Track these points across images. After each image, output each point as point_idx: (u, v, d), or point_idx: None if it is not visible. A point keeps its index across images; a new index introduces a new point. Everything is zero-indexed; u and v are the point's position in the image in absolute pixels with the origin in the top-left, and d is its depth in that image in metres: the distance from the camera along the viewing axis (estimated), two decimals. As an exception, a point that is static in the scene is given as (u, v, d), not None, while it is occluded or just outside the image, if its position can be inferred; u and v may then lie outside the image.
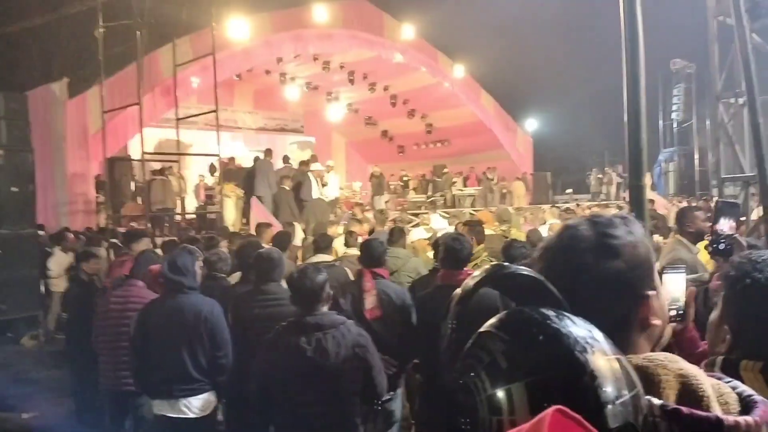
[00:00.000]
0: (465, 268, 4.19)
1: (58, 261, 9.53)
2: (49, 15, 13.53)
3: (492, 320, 0.99)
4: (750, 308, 1.63)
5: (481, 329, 0.98)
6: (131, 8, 10.71)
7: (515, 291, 1.12)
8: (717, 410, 1.05)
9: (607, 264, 1.17)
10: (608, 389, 0.88)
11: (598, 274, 1.17)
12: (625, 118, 4.08)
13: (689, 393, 1.06)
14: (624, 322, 1.18)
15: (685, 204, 14.08)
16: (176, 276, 3.87)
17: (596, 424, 0.84)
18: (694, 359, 1.99)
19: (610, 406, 0.87)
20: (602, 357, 0.92)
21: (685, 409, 1.01)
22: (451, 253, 4.18)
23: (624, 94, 3.96)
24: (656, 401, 1.01)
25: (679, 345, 2.11)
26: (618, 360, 0.94)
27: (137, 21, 10.78)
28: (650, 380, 1.05)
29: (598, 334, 0.96)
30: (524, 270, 1.16)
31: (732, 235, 2.46)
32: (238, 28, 14.31)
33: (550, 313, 0.97)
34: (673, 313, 2.42)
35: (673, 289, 2.40)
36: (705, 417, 1.01)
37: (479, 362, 0.93)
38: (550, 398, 0.85)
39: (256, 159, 15.40)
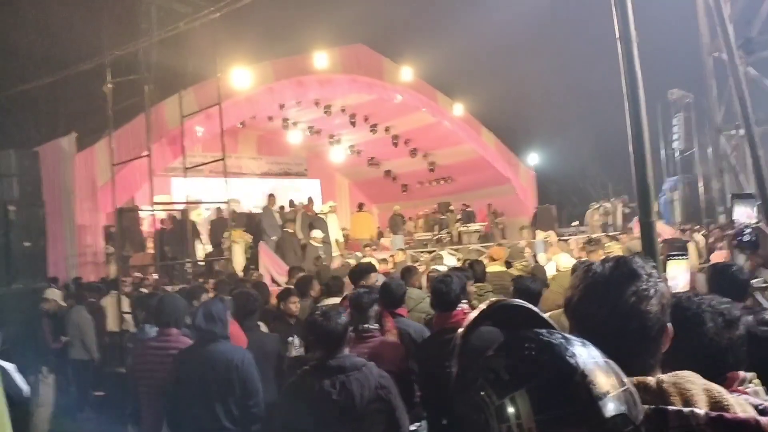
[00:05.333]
0: (458, 308, 4.03)
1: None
2: (57, 74, 13.82)
3: (494, 346, 1.11)
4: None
5: (486, 355, 1.10)
6: (138, 63, 10.97)
7: (511, 322, 1.23)
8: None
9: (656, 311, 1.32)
10: (599, 385, 0.99)
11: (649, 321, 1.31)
12: (630, 152, 4.12)
13: (716, 403, 1.17)
14: (655, 353, 1.31)
15: (694, 231, 14.10)
16: (208, 325, 3.89)
17: (593, 416, 0.97)
18: None
19: (602, 399, 0.98)
20: (591, 359, 1.02)
21: (728, 415, 1.12)
22: (439, 295, 4.07)
23: (628, 131, 4.01)
24: (700, 411, 1.12)
25: None
26: (606, 362, 1.04)
27: (144, 75, 11.03)
28: (683, 394, 1.17)
29: (587, 344, 1.07)
30: (517, 301, 1.31)
31: (755, 224, 2.30)
32: (241, 78, 14.57)
33: (542, 330, 1.10)
34: None
35: (675, 276, 2.46)
36: (745, 420, 1.13)
37: (486, 380, 1.04)
38: (549, 398, 0.98)
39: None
